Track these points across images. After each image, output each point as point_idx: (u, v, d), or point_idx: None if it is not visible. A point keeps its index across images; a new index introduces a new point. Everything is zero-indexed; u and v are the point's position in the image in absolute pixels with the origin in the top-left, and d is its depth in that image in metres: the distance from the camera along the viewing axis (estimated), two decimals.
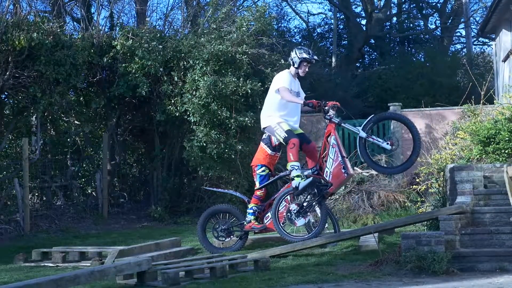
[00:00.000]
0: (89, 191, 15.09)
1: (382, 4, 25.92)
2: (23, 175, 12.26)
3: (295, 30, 27.29)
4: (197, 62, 13.19)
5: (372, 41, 25.66)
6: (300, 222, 8.19)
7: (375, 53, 26.67)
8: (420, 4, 26.71)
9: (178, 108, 13.37)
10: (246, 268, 7.47)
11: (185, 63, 13.56)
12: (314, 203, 8.16)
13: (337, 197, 12.38)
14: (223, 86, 12.80)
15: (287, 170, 8.29)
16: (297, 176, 8.05)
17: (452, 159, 10.33)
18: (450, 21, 26.08)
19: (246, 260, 7.54)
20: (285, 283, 6.54)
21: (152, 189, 14.58)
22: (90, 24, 14.68)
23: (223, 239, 8.87)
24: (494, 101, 12.70)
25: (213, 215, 9.01)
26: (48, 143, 14.43)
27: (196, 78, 13.09)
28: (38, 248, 9.14)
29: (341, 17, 26.16)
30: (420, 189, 11.30)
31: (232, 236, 8.87)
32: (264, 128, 8.50)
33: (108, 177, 14.15)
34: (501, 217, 7.81)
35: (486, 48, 26.53)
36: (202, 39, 13.57)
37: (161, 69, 13.49)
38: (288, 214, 8.19)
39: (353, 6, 26.80)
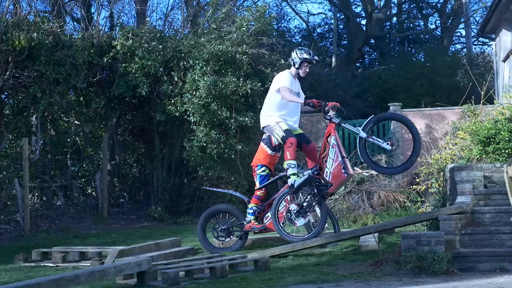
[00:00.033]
0: (89, 191, 15.09)
1: (382, 4, 25.92)
2: (23, 175, 12.27)
3: (295, 30, 27.33)
4: (197, 62, 13.19)
5: (372, 41, 25.67)
6: (300, 222, 8.20)
7: (375, 53, 26.67)
8: (420, 4, 26.71)
9: (178, 108, 13.37)
10: (246, 268, 7.47)
11: (185, 63, 13.56)
12: (314, 203, 8.16)
13: (337, 197, 12.38)
14: (223, 86, 12.80)
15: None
16: (293, 174, 8.07)
17: (452, 159, 10.33)
18: (450, 21, 26.08)
19: (246, 260, 7.54)
20: (285, 283, 6.54)
21: (152, 189, 14.58)
22: (90, 24, 14.68)
23: (223, 239, 8.87)
24: (494, 101, 12.70)
25: (213, 215, 9.01)
26: (48, 143, 14.44)
27: (196, 78, 13.09)
28: (38, 248, 9.14)
29: (341, 17, 26.16)
30: (420, 189, 11.31)
31: (232, 236, 8.87)
32: (263, 128, 8.51)
33: (108, 177, 14.15)
34: (501, 217, 7.81)
35: (486, 48, 26.58)
36: (202, 39, 13.57)
37: (161, 69, 13.49)
38: (288, 214, 8.20)
39: (353, 6, 26.82)
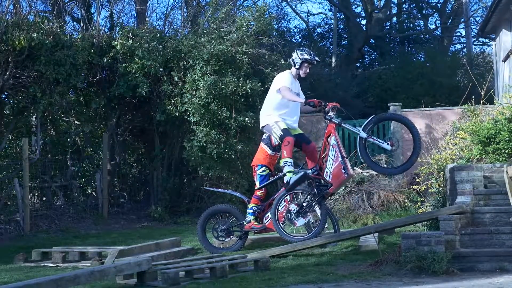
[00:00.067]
0: (89, 191, 15.09)
1: (382, 4, 25.92)
2: (23, 175, 12.27)
3: (295, 30, 27.33)
4: (197, 62, 13.19)
5: (372, 41, 25.66)
6: (300, 222, 8.20)
7: (375, 53, 26.66)
8: (420, 4, 26.71)
9: (178, 108, 13.37)
10: (246, 268, 7.47)
11: (185, 63, 13.56)
12: (314, 203, 8.16)
13: (337, 197, 12.38)
14: (223, 86, 12.80)
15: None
16: (289, 171, 8.10)
17: (452, 159, 10.33)
18: (450, 21, 26.08)
19: (246, 260, 7.55)
20: (285, 283, 6.54)
21: (152, 189, 14.58)
22: (90, 24, 14.68)
23: (223, 239, 8.87)
24: (494, 101, 12.70)
25: (213, 215, 9.01)
26: (48, 143, 14.44)
27: (196, 78, 13.09)
28: (38, 248, 9.14)
29: (341, 17, 26.16)
30: (420, 189, 11.31)
31: (231, 236, 8.87)
32: (263, 127, 8.52)
33: (108, 177, 14.15)
34: (501, 217, 7.81)
35: (486, 48, 26.58)
36: (202, 39, 13.57)
37: (161, 69, 13.49)
38: (288, 214, 8.20)
39: (353, 6, 26.81)
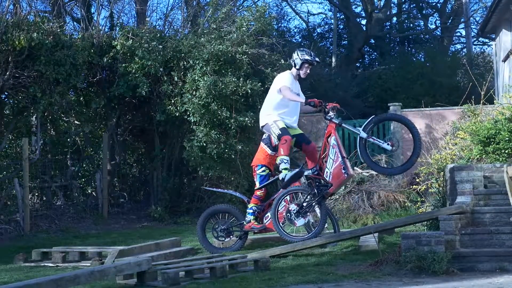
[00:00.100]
0: (89, 191, 15.09)
1: (382, 4, 25.91)
2: (23, 175, 12.27)
3: (295, 30, 27.33)
4: (197, 62, 13.20)
5: (372, 41, 25.66)
6: (300, 222, 8.20)
7: (375, 53, 26.66)
8: (420, 4, 26.71)
9: (178, 108, 13.37)
10: (246, 268, 7.47)
11: (185, 63, 13.56)
12: (314, 203, 8.16)
13: (337, 197, 12.38)
14: (223, 86, 12.80)
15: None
16: (285, 168, 8.12)
17: (452, 159, 10.33)
18: (450, 21, 26.08)
19: (246, 260, 7.55)
20: (285, 283, 6.54)
21: (152, 189, 14.58)
22: (90, 24, 14.68)
23: (223, 239, 8.87)
24: (494, 101, 12.70)
25: (212, 215, 9.01)
26: (48, 143, 14.44)
27: (196, 78, 13.09)
28: (38, 248, 9.14)
29: (341, 17, 26.16)
30: (420, 189, 11.31)
31: (231, 236, 8.87)
32: (262, 127, 8.52)
33: (108, 177, 14.15)
34: (501, 217, 7.81)
35: (486, 48, 26.57)
36: (202, 39, 13.57)
37: (161, 69, 13.50)
38: (288, 214, 8.20)
39: (353, 6, 26.81)
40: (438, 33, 26.51)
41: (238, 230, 8.79)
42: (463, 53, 25.37)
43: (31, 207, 12.58)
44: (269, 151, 8.62)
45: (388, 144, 7.97)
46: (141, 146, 15.91)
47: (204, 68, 13.07)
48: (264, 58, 14.00)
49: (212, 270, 6.95)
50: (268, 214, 8.49)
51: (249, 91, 12.92)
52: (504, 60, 15.76)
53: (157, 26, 16.45)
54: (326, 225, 8.48)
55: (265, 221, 8.60)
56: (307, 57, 8.37)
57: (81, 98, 14.94)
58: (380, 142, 8.05)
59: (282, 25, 25.59)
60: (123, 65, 13.46)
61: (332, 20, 26.23)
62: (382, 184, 12.85)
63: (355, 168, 12.71)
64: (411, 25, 27.41)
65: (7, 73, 11.86)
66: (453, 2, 25.77)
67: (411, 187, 12.24)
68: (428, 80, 19.62)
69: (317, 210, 8.28)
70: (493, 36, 18.07)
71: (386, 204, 12.36)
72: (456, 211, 7.58)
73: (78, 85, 13.36)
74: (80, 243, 10.29)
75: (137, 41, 13.50)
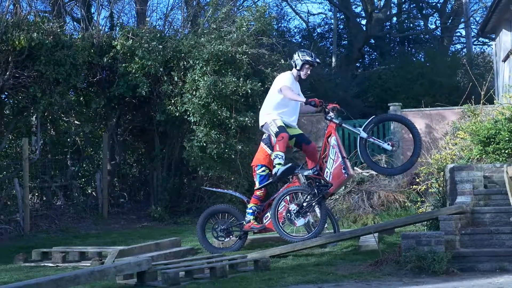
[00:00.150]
0: (89, 191, 15.09)
1: (382, 4, 25.91)
2: (23, 175, 12.27)
3: (295, 30, 27.33)
4: (197, 62, 13.20)
5: (372, 41, 25.66)
6: (300, 222, 8.20)
7: (375, 53, 26.66)
8: (420, 4, 26.71)
9: (178, 108, 13.38)
10: (246, 268, 7.47)
11: (185, 63, 13.56)
12: (314, 203, 8.16)
13: (337, 197, 12.38)
14: (223, 86, 12.80)
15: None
16: (278, 163, 8.15)
17: (452, 159, 10.33)
18: (450, 21, 26.08)
19: (246, 260, 7.55)
20: (285, 283, 6.54)
21: (152, 189, 14.58)
22: (90, 24, 14.68)
23: (223, 239, 8.87)
24: (494, 101, 12.70)
25: (212, 215, 9.01)
26: (48, 143, 14.44)
27: (196, 78, 13.09)
28: (38, 248, 9.14)
29: (341, 17, 26.16)
30: (420, 189, 11.30)
31: (231, 236, 8.86)
32: (262, 126, 8.53)
33: (108, 177, 14.15)
34: (501, 217, 7.81)
35: (486, 48, 26.57)
36: (202, 39, 13.57)
37: (161, 69, 13.50)
38: (288, 214, 8.20)
39: (353, 6, 26.81)
40: (438, 33, 26.51)
41: (237, 230, 8.79)
42: (463, 53, 25.37)
43: (31, 207, 12.58)
44: (269, 151, 8.61)
45: (388, 144, 7.98)
46: (141, 146, 15.91)
47: (204, 68, 13.07)
48: (264, 58, 14.00)
49: (212, 270, 6.95)
50: (268, 214, 8.49)
51: (249, 91, 12.92)
52: (504, 60, 15.76)
53: (157, 26, 16.47)
54: (326, 225, 8.48)
55: (264, 221, 8.60)
56: (308, 58, 8.40)
57: (81, 98, 14.94)
58: (380, 142, 8.06)
59: (282, 25, 25.62)
60: (123, 65, 13.46)
61: (332, 20, 26.23)
62: (382, 184, 12.85)
63: (355, 168, 12.72)
64: (411, 25, 27.41)
65: (7, 73, 11.86)
66: (453, 2, 25.77)
67: (411, 187, 12.24)
68: (428, 80, 19.62)
69: (317, 210, 8.28)
70: (493, 36, 18.07)
71: (386, 204, 12.36)
72: (456, 211, 7.58)
73: (78, 85, 13.37)
74: (80, 243, 10.29)
75: (137, 41, 13.50)
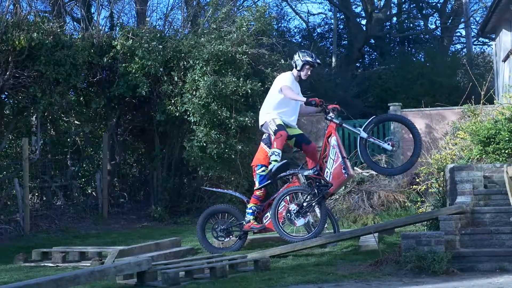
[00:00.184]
0: (89, 191, 15.09)
1: (382, 4, 25.91)
2: (23, 175, 12.27)
3: (295, 30, 27.32)
4: (197, 62, 13.20)
5: (372, 41, 25.65)
6: (300, 222, 8.20)
7: (375, 53, 26.66)
8: (420, 4, 26.70)
9: (178, 108, 13.38)
10: (246, 268, 7.47)
11: (185, 63, 13.56)
12: (314, 203, 8.17)
13: (337, 197, 12.37)
14: (223, 86, 12.80)
15: (288, 170, 8.36)
16: (274, 160, 8.17)
17: (452, 159, 10.33)
18: (450, 21, 26.07)
19: (246, 260, 7.55)
20: (285, 283, 6.54)
21: (152, 189, 14.58)
22: (90, 24, 14.68)
23: (223, 239, 8.87)
24: (494, 101, 12.69)
25: (212, 215, 9.01)
26: (48, 143, 14.44)
27: (196, 78, 13.09)
28: (38, 248, 9.14)
29: (341, 17, 26.15)
30: (420, 189, 11.30)
31: (231, 236, 8.87)
32: (261, 126, 8.54)
33: (108, 177, 14.15)
34: (501, 217, 7.81)
35: (486, 48, 26.57)
36: (202, 39, 13.57)
37: (161, 69, 13.50)
38: (288, 214, 8.20)
39: (353, 6, 26.81)
40: (438, 33, 26.50)
41: (237, 230, 8.79)
42: (463, 53, 25.37)
43: (31, 207, 12.58)
44: (269, 151, 8.61)
45: (388, 144, 7.98)
46: (141, 146, 15.91)
47: (204, 68, 13.07)
48: (264, 58, 14.00)
49: (212, 270, 6.96)
50: (268, 214, 8.49)
51: (249, 91, 12.93)
52: (504, 60, 15.76)
53: (157, 26, 16.47)
54: (326, 225, 8.48)
55: (264, 221, 8.60)
56: (308, 59, 8.41)
57: (81, 98, 14.94)
58: (380, 142, 8.06)
59: (282, 25, 25.62)
60: (123, 65, 13.46)
61: (332, 20, 26.23)
62: (382, 184, 12.85)
63: (355, 168, 12.72)
64: (411, 25, 27.41)
65: (7, 73, 11.86)
66: (453, 2, 25.77)
67: (411, 187, 12.24)
68: (428, 80, 19.61)
69: (317, 210, 8.28)
70: (493, 36, 18.07)
71: (386, 204, 12.36)
72: (456, 211, 7.58)
73: (78, 85, 13.37)
74: (80, 243, 10.29)
75: (137, 41, 13.50)
